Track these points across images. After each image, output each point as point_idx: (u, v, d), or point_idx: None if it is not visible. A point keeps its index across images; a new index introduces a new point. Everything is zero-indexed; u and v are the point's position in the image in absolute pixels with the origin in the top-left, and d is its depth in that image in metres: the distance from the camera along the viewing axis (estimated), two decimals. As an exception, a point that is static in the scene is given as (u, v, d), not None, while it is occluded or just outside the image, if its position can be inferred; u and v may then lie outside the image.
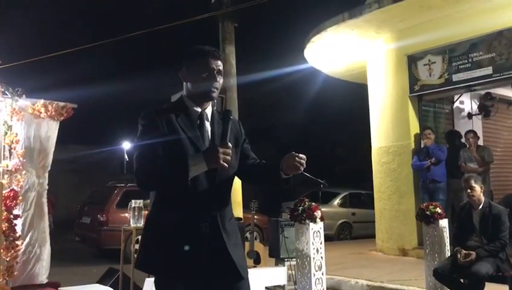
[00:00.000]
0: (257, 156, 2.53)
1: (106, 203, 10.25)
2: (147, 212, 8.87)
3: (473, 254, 4.54)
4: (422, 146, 8.23)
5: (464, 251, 4.62)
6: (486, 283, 4.52)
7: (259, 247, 6.62)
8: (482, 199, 4.80)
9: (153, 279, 3.65)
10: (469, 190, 4.77)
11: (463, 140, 8.47)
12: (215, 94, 2.35)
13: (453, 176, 7.90)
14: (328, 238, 8.65)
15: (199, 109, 2.33)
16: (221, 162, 2.13)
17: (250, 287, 2.35)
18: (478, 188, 4.78)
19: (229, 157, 2.16)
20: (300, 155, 2.23)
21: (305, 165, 2.24)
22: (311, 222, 4.67)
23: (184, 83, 2.37)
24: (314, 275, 4.61)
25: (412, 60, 8.57)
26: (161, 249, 2.22)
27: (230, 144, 2.18)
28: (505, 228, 4.66)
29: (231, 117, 2.32)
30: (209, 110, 2.37)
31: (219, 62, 2.33)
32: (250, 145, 2.53)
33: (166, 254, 2.20)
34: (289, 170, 2.25)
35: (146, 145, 2.21)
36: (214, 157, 2.13)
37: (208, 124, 2.35)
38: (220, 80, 2.34)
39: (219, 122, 2.36)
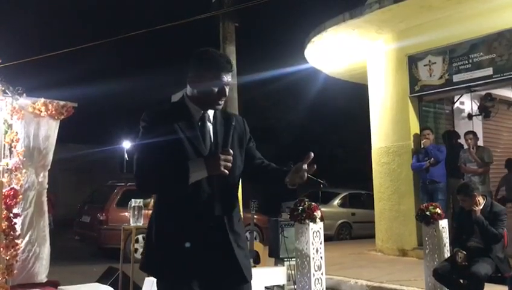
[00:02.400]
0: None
1: (106, 202, 10.25)
2: (147, 211, 8.87)
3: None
4: (421, 146, 8.23)
5: (463, 252, 4.63)
6: (486, 284, 4.52)
7: (258, 247, 6.62)
8: (482, 201, 4.80)
9: (153, 278, 3.66)
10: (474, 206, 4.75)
11: (460, 140, 8.47)
12: (221, 106, 2.35)
13: (453, 176, 7.90)
14: (327, 238, 8.64)
15: (201, 111, 2.31)
16: (222, 169, 2.14)
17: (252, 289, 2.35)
18: (479, 199, 4.78)
19: (230, 164, 2.16)
20: (304, 167, 2.18)
21: (305, 178, 2.21)
22: (311, 221, 4.67)
23: (188, 85, 2.34)
24: (313, 275, 4.60)
25: (413, 61, 8.57)
26: (164, 252, 2.20)
27: (231, 151, 2.18)
28: (502, 224, 4.67)
29: (233, 123, 2.32)
30: (211, 111, 2.35)
31: (230, 75, 2.31)
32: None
33: (169, 256, 2.19)
34: (293, 181, 2.23)
35: (146, 146, 2.20)
36: (215, 165, 2.14)
37: (209, 125, 2.33)
38: (227, 93, 2.33)
39: (221, 121, 2.36)
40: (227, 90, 2.31)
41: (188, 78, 2.33)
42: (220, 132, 2.32)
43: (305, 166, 2.18)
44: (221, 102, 2.32)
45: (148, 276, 4.73)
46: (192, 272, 2.18)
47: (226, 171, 2.16)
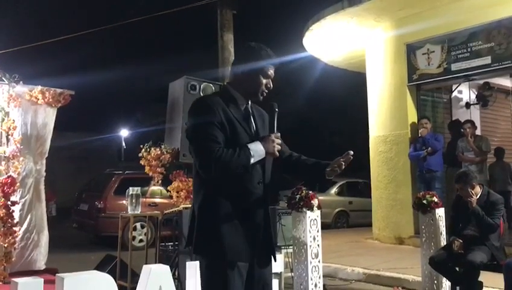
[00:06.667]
0: None
1: (104, 190, 10.27)
2: (145, 199, 8.72)
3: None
4: (419, 135, 8.24)
5: (459, 241, 4.66)
6: (481, 272, 4.56)
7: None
8: (479, 190, 4.81)
9: (151, 266, 3.67)
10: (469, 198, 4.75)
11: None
12: (262, 98, 2.51)
13: (454, 165, 7.91)
14: (325, 227, 8.67)
15: (245, 101, 2.46)
16: (276, 150, 2.34)
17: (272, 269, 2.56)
18: (476, 189, 4.78)
19: (280, 147, 2.36)
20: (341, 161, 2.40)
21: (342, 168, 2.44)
22: (308, 210, 4.68)
23: (234, 74, 2.47)
24: (310, 262, 4.63)
25: (411, 49, 8.55)
26: (224, 235, 2.29)
27: (279, 134, 2.38)
28: (498, 213, 4.68)
29: (277, 110, 2.45)
30: (249, 102, 2.50)
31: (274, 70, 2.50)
32: None
33: (230, 238, 2.29)
34: (332, 173, 2.42)
35: (208, 131, 2.28)
36: (270, 146, 2.32)
37: (251, 115, 2.48)
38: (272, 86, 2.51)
39: (257, 114, 2.52)
40: (271, 84, 2.48)
41: (236, 67, 2.47)
42: (258, 122, 2.48)
43: (343, 159, 2.41)
44: (265, 94, 2.48)
45: (147, 262, 4.74)
46: (247, 252, 2.32)
47: (277, 153, 2.35)
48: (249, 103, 2.48)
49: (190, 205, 3.50)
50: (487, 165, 8.05)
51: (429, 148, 7.90)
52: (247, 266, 2.35)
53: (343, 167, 2.41)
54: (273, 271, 5.33)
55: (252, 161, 2.28)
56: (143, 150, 5.88)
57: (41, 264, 5.87)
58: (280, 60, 2.51)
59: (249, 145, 2.30)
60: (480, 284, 4.63)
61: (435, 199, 5.21)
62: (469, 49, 7.75)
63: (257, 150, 2.29)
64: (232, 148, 2.26)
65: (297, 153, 2.60)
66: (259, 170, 2.38)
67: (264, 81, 2.44)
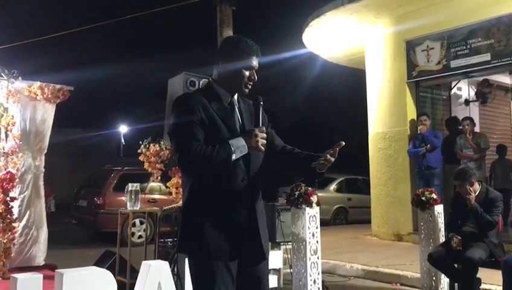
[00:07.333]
0: None
1: (103, 186, 10.27)
2: (144, 195, 8.67)
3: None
4: (418, 132, 8.24)
5: (458, 237, 4.66)
6: (480, 268, 4.57)
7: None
8: (478, 187, 4.82)
9: (151, 262, 3.67)
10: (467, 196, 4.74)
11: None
12: (247, 91, 2.44)
13: (452, 162, 7.92)
14: (323, 223, 8.68)
15: (229, 97, 2.41)
16: (260, 145, 2.24)
17: (268, 266, 2.51)
18: (475, 186, 4.78)
19: (265, 141, 2.27)
20: (331, 154, 2.32)
21: (332, 160, 2.34)
22: (307, 206, 4.68)
23: (217, 70, 2.42)
24: (309, 259, 4.64)
25: (411, 46, 8.54)
26: (207, 233, 2.27)
27: (264, 129, 2.30)
28: (497, 210, 4.69)
29: (261, 103, 2.39)
30: (235, 96, 2.45)
31: (258, 60, 2.43)
32: None
33: (212, 237, 2.27)
34: (322, 166, 2.35)
35: (187, 129, 2.25)
36: (253, 141, 2.24)
37: (236, 110, 2.42)
38: (256, 77, 2.44)
39: (244, 107, 2.46)
40: (256, 75, 2.41)
41: (218, 63, 2.41)
42: (245, 115, 2.43)
43: (332, 152, 2.32)
44: (249, 86, 2.41)
45: (146, 258, 4.75)
46: (231, 250, 2.28)
47: (262, 148, 2.26)
48: (234, 97, 2.43)
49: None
50: (485, 162, 8.04)
51: (428, 145, 7.90)
52: (235, 263, 2.31)
53: (332, 159, 2.33)
54: (272, 267, 5.35)
55: (234, 156, 2.21)
56: (142, 146, 5.88)
57: (40, 260, 5.88)
58: (261, 49, 2.42)
59: (230, 141, 2.23)
60: (479, 280, 4.64)
61: (434, 196, 5.23)
62: (468, 46, 7.74)
63: (239, 145, 2.22)
64: (213, 145, 2.21)
65: (291, 147, 2.54)
66: (243, 167, 2.32)
67: (247, 73, 2.37)
